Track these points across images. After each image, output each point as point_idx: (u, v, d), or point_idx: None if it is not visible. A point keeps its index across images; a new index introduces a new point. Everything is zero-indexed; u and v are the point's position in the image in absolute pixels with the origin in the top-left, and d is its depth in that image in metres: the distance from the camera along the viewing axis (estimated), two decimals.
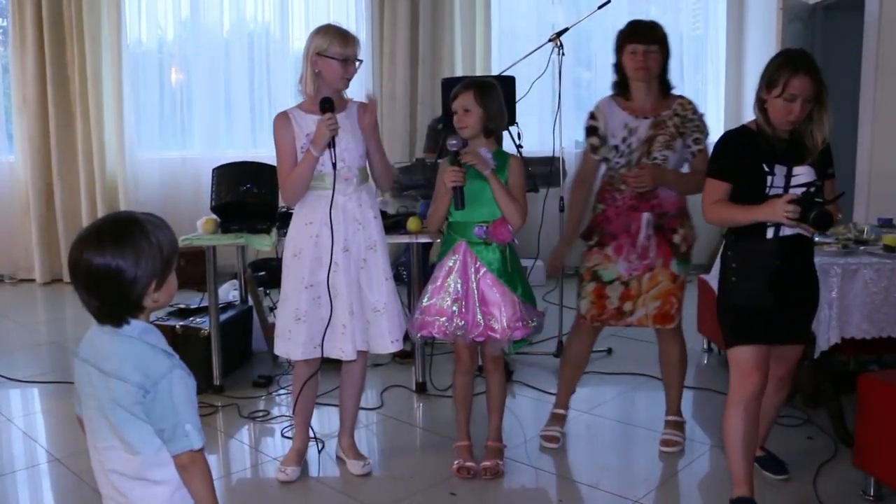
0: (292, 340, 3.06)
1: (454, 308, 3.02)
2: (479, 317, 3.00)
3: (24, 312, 5.86)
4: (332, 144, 2.91)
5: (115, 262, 1.63)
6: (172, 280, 1.74)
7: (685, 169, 3.28)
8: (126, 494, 1.74)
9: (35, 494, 3.16)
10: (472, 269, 3.02)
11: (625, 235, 3.24)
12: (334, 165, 2.93)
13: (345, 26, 3.02)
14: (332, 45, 2.92)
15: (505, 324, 2.98)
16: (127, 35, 6.97)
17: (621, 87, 3.25)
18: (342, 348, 3.04)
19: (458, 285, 3.03)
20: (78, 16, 6.83)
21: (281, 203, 4.15)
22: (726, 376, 3.51)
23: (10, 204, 7.15)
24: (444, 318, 3.03)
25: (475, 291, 3.01)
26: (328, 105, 2.91)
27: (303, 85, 3.01)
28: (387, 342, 3.11)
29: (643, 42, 3.12)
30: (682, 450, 3.37)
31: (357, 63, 2.99)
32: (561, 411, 3.55)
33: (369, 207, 3.09)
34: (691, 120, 3.19)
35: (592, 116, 3.30)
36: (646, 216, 3.20)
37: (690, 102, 3.23)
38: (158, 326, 4.11)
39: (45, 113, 6.97)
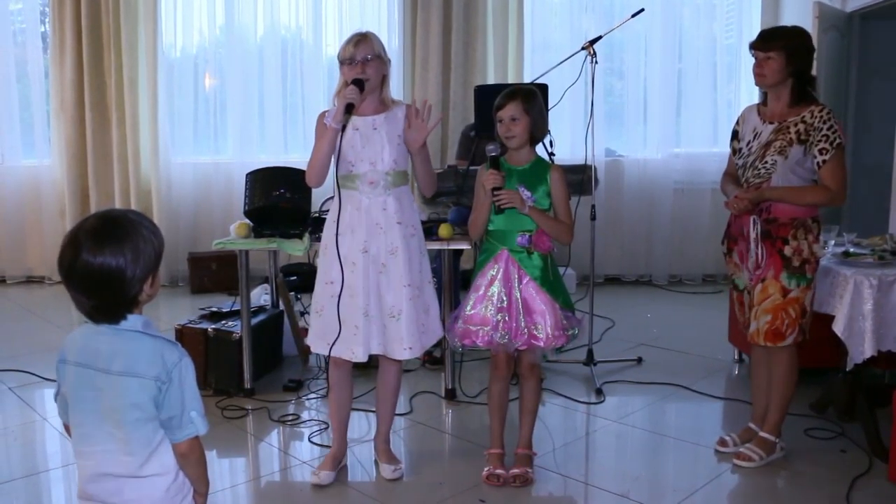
0: (312, 333, 3.15)
1: (498, 317, 3.01)
2: (524, 325, 2.99)
3: (61, 313, 5.95)
4: (349, 111, 2.92)
5: (115, 262, 1.63)
6: (160, 274, 1.77)
7: (796, 173, 3.11)
8: (118, 494, 1.75)
9: (70, 492, 3.19)
10: (516, 278, 3.02)
11: (742, 240, 3.23)
12: (343, 128, 2.94)
13: (377, 32, 3.05)
14: (341, 51, 3.01)
15: (549, 331, 2.98)
16: (163, 41, 7.06)
17: (764, 94, 3.28)
18: (353, 350, 3.05)
19: (503, 294, 3.02)
20: (115, 22, 6.94)
21: (314, 208, 4.19)
22: None
23: (48, 206, 7.27)
24: (488, 328, 3.02)
25: (519, 300, 3.01)
26: (357, 83, 2.94)
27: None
28: (401, 348, 3.08)
29: (759, 49, 3.11)
30: (755, 468, 3.25)
31: (374, 59, 2.98)
32: (750, 426, 3.46)
33: (394, 212, 3.05)
34: (818, 129, 3.04)
35: (737, 121, 3.38)
36: (752, 219, 3.15)
37: (824, 110, 3.08)
38: (190, 330, 4.22)
39: (82, 117, 7.09)
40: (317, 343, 3.13)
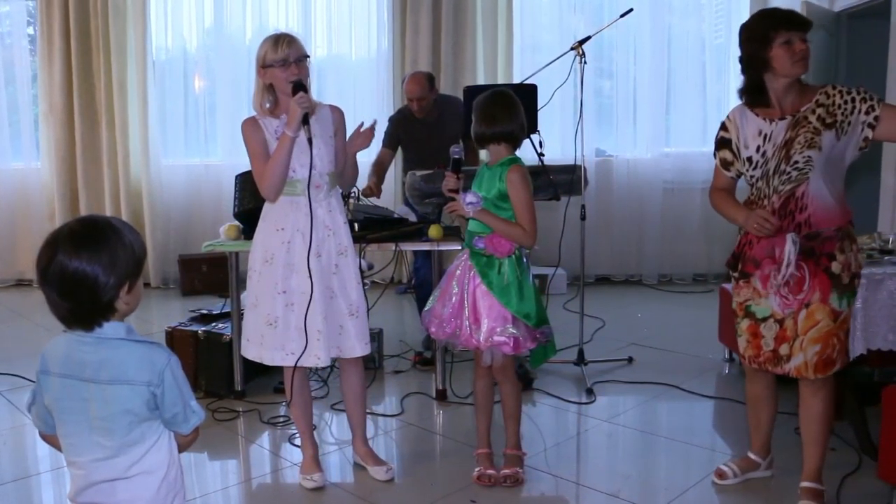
0: (265, 345, 3.06)
1: (449, 313, 3.07)
2: (467, 325, 3.02)
3: (51, 317, 5.90)
4: (305, 121, 2.90)
5: (91, 267, 1.62)
6: (140, 283, 1.74)
7: (832, 163, 2.70)
8: (111, 495, 1.75)
9: (59, 496, 3.18)
10: (469, 278, 3.04)
11: (770, 262, 2.73)
12: (310, 141, 2.90)
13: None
14: (268, 53, 2.95)
15: (483, 337, 2.97)
16: (152, 44, 7.05)
17: (755, 89, 2.75)
18: (318, 355, 3.02)
19: (456, 293, 3.07)
20: (104, 25, 6.93)
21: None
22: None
23: (37, 210, 7.24)
24: (436, 321, 3.09)
25: (467, 300, 3.03)
26: (300, 86, 2.91)
27: (254, 101, 3.04)
28: (362, 344, 3.10)
29: (803, 30, 2.65)
30: None
31: (304, 60, 2.98)
32: (751, 455, 3.16)
33: (339, 213, 3.08)
34: (846, 101, 2.64)
35: (724, 127, 2.87)
36: (790, 237, 2.65)
37: (836, 86, 2.67)
38: (180, 332, 4.21)
39: (72, 120, 7.07)
40: (273, 355, 3.05)
